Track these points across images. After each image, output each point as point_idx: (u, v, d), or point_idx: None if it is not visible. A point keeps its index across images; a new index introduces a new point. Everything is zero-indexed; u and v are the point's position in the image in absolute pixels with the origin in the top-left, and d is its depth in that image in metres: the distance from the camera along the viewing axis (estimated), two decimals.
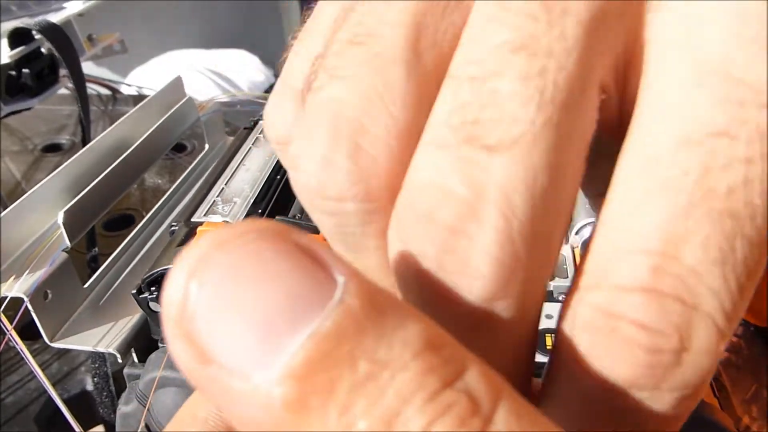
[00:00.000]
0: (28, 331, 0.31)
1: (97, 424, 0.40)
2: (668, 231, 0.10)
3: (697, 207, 0.10)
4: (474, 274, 0.10)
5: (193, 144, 0.62)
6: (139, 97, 0.77)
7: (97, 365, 0.37)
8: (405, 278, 0.12)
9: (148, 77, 1.02)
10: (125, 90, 0.82)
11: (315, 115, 0.12)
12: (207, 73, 1.15)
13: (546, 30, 0.10)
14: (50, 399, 0.40)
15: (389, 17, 0.12)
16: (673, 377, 0.10)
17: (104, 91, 0.77)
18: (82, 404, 0.40)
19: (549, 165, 0.10)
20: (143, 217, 0.39)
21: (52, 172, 0.34)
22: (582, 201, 0.33)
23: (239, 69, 1.21)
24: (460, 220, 0.10)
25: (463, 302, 0.11)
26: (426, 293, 0.11)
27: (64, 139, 0.69)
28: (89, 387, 0.41)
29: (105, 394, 0.38)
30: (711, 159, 0.10)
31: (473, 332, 0.11)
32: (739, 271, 0.10)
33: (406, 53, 0.11)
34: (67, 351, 0.43)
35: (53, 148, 0.67)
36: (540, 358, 0.27)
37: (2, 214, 0.31)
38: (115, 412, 0.36)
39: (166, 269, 0.28)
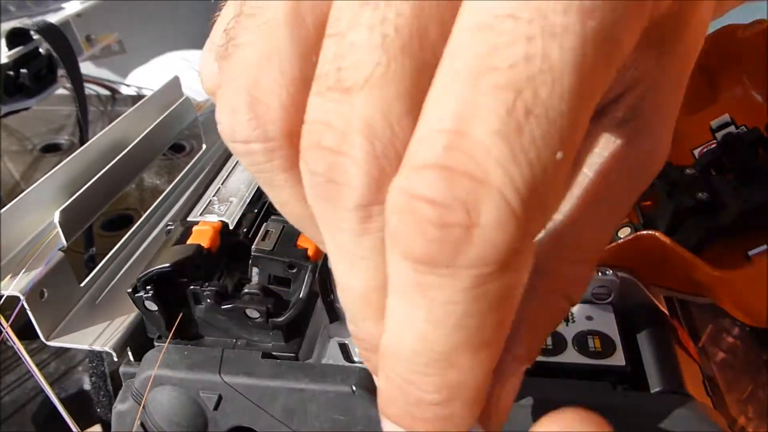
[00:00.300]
0: (26, 331, 0.31)
1: (95, 423, 0.40)
2: (460, 108, 0.11)
3: (482, 82, 0.11)
4: (352, 183, 0.13)
5: (192, 144, 0.63)
6: (138, 98, 0.77)
7: (94, 364, 0.37)
8: (311, 195, 0.14)
9: (147, 78, 1.03)
10: (124, 90, 0.82)
11: (225, 77, 0.15)
12: None
13: None
14: (48, 398, 0.40)
15: None
16: (466, 253, 0.11)
17: (103, 92, 0.77)
18: (79, 404, 0.40)
19: (401, 95, 0.12)
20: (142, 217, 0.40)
21: None
22: None
23: None
24: (338, 144, 0.13)
25: (349, 208, 0.13)
26: (323, 204, 0.14)
27: (63, 139, 0.69)
28: (86, 386, 0.42)
29: (102, 393, 0.38)
30: (497, 39, 0.11)
31: (363, 235, 0.14)
32: (527, 145, 0.11)
33: (288, 18, 0.14)
34: (64, 350, 0.43)
35: (52, 149, 0.67)
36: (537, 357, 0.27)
37: None
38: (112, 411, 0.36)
39: (161, 268, 0.28)
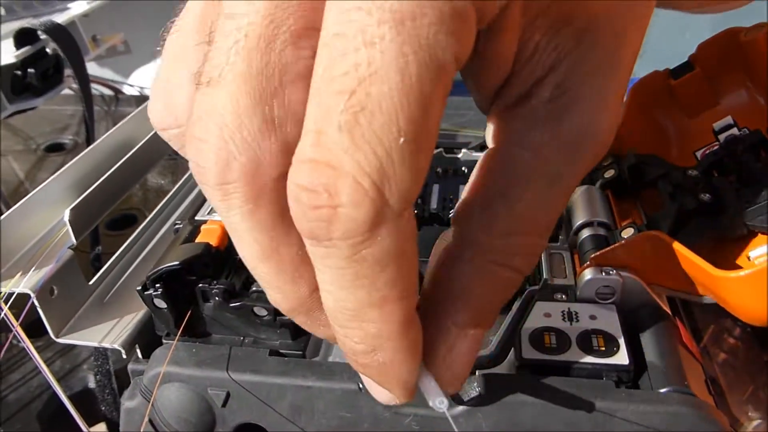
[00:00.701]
0: (31, 329, 0.31)
1: (99, 421, 0.40)
2: (317, 112, 0.14)
3: (327, 89, 0.13)
4: (207, 165, 0.15)
5: None
6: (142, 98, 0.78)
7: (99, 362, 0.37)
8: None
9: (150, 78, 1.03)
10: (128, 90, 0.83)
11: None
12: None
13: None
14: (53, 396, 0.41)
15: (188, 12, 0.18)
16: (337, 228, 0.14)
17: (107, 92, 0.77)
18: (84, 402, 0.41)
19: (248, 90, 0.15)
20: (146, 216, 0.40)
21: (55, 171, 0.35)
22: (581, 203, 0.34)
23: None
24: (202, 132, 0.15)
25: (211, 185, 0.16)
26: (201, 186, 0.16)
27: (67, 138, 0.69)
28: (91, 384, 0.42)
29: (107, 391, 0.38)
30: (333, 53, 0.13)
31: (229, 210, 0.16)
32: (367, 135, 0.13)
33: (194, 25, 0.17)
34: (69, 349, 0.43)
35: (56, 148, 0.68)
36: (539, 356, 0.27)
37: (9, 211, 0.32)
38: (117, 409, 0.36)
39: (170, 266, 0.29)
